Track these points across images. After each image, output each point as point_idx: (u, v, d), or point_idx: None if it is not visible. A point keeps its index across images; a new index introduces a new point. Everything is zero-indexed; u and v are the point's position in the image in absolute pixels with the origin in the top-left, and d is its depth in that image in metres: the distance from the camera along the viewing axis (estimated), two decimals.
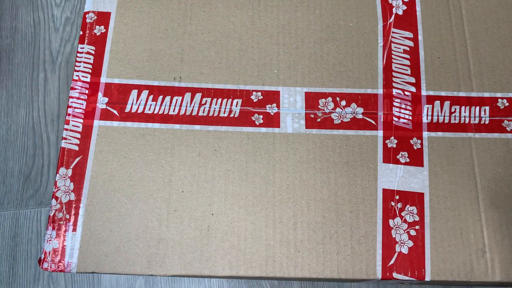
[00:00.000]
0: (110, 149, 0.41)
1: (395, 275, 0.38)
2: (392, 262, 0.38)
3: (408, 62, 0.43)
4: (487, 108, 0.42)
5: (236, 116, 0.41)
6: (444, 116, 0.42)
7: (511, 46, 0.43)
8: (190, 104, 0.42)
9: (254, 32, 0.44)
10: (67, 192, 0.39)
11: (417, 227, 0.39)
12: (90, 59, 0.43)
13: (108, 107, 0.42)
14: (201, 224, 0.39)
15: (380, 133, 0.41)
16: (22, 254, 0.91)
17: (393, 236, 0.38)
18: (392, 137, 0.41)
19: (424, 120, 0.41)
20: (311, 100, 0.42)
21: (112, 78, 0.43)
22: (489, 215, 0.39)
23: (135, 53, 0.43)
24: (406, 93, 0.42)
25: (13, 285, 0.90)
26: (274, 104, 0.42)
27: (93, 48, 0.44)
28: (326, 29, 0.44)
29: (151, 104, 0.42)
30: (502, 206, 0.39)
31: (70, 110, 0.42)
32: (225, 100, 0.42)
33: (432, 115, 0.41)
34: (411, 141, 0.41)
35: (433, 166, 0.40)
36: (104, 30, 0.44)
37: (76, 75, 0.43)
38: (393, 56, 0.43)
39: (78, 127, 0.41)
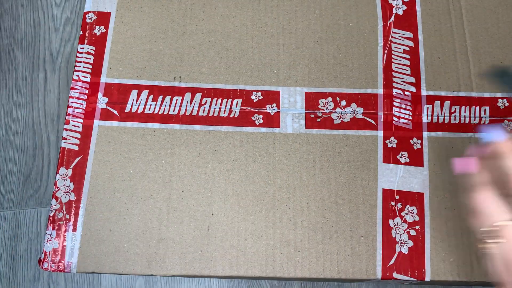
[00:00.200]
0: (110, 149, 0.41)
1: (395, 275, 0.38)
2: (392, 262, 0.38)
3: (408, 62, 0.43)
4: (487, 108, 0.42)
5: (236, 116, 0.41)
6: (444, 116, 0.42)
7: (511, 46, 0.43)
8: (190, 104, 0.42)
9: (254, 32, 0.44)
10: (67, 192, 0.39)
11: (417, 227, 0.39)
12: (90, 59, 0.43)
13: (108, 107, 0.42)
14: (201, 224, 0.39)
15: (380, 133, 0.41)
16: (22, 254, 0.91)
17: (393, 236, 0.38)
18: (392, 137, 0.41)
19: (424, 120, 0.41)
20: (311, 100, 0.42)
21: (112, 78, 0.43)
22: None
23: (135, 53, 0.43)
24: (406, 93, 0.42)
25: (13, 285, 0.90)
26: (274, 104, 0.42)
27: (93, 48, 0.44)
28: (326, 29, 0.44)
29: (151, 104, 0.42)
30: None
31: (70, 110, 0.42)
32: (225, 100, 0.42)
33: (432, 115, 0.41)
34: (411, 141, 0.41)
35: (433, 166, 0.40)
36: (104, 30, 0.44)
37: (76, 75, 0.43)
38: (393, 56, 0.43)
39: (78, 127, 0.41)
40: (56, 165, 0.93)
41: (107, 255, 0.38)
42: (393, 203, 0.39)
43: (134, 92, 0.42)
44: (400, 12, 0.45)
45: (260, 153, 0.40)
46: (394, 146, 0.41)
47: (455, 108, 0.42)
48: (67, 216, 0.39)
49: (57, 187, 0.40)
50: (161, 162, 0.40)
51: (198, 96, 0.42)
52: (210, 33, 0.44)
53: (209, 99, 0.42)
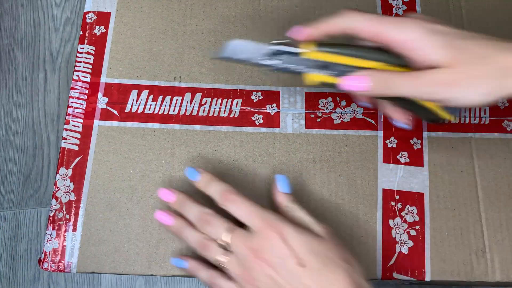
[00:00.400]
0: (110, 149, 0.41)
1: (395, 275, 0.38)
2: (392, 262, 0.38)
3: None
4: (487, 108, 0.42)
5: (236, 116, 0.42)
6: None
7: None
8: (190, 104, 0.42)
9: (254, 32, 0.44)
10: (67, 192, 0.39)
11: (417, 227, 0.39)
12: (90, 59, 0.43)
13: (108, 107, 0.42)
14: None
15: (380, 133, 0.41)
16: (22, 254, 0.91)
17: (393, 236, 0.38)
18: (392, 137, 0.41)
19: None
20: (311, 100, 0.42)
21: (112, 78, 0.43)
22: (489, 215, 0.39)
23: (135, 53, 0.43)
24: None
25: (13, 285, 0.90)
26: (274, 104, 0.42)
27: (93, 48, 0.44)
28: None
29: (151, 104, 0.42)
30: (502, 206, 0.39)
31: (70, 110, 0.42)
32: (225, 100, 0.42)
33: None
34: (411, 141, 0.41)
35: (433, 166, 0.40)
36: (104, 30, 0.44)
37: (76, 75, 0.43)
38: None
39: (78, 127, 0.41)
40: (56, 165, 0.93)
41: (107, 255, 0.38)
42: (393, 203, 0.39)
43: (134, 92, 0.42)
44: (400, 12, 0.45)
45: (260, 153, 0.40)
46: (394, 146, 0.41)
47: None
48: (67, 216, 0.39)
49: (57, 187, 0.40)
50: (161, 162, 0.40)
51: (198, 96, 0.42)
52: (210, 33, 0.44)
53: (209, 99, 0.42)
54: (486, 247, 0.38)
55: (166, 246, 0.38)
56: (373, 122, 0.41)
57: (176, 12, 0.45)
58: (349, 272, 0.31)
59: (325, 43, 0.32)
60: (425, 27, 0.29)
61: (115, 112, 0.42)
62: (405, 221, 0.39)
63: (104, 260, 0.38)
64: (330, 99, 0.42)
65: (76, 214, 0.39)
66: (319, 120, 0.41)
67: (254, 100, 0.42)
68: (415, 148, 0.41)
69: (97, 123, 0.41)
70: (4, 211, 0.95)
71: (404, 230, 0.39)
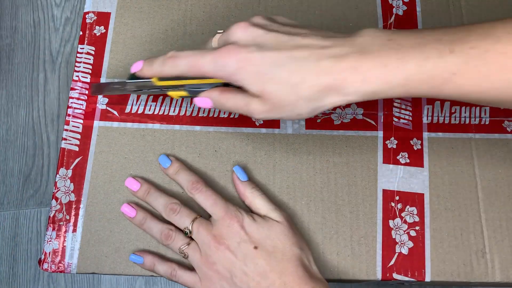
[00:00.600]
0: (110, 150, 0.41)
1: (395, 275, 0.38)
2: (392, 262, 0.38)
3: None
4: (487, 108, 0.42)
5: (236, 116, 0.41)
6: (444, 116, 0.42)
7: None
8: (190, 104, 0.42)
9: None
10: (67, 192, 0.39)
11: (417, 227, 0.39)
12: (90, 59, 0.43)
13: (108, 108, 0.42)
14: None
15: (380, 133, 0.41)
16: (22, 254, 0.91)
17: (393, 236, 0.38)
18: (392, 138, 0.41)
19: (424, 120, 0.41)
20: None
21: (112, 78, 0.43)
22: (489, 215, 0.39)
23: (135, 54, 0.43)
24: None
25: (13, 285, 0.90)
26: None
27: (93, 48, 0.44)
28: (326, 29, 0.44)
29: (151, 105, 0.42)
30: (502, 206, 0.39)
31: (70, 111, 0.42)
32: None
33: (432, 116, 0.42)
34: (411, 141, 0.41)
35: (433, 167, 0.40)
36: (104, 30, 0.44)
37: (76, 76, 0.43)
38: None
39: (78, 127, 0.41)
40: (56, 165, 0.93)
41: (107, 255, 0.38)
42: (393, 204, 0.39)
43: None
44: (400, 13, 0.45)
45: (260, 154, 0.40)
46: (394, 146, 0.41)
47: (455, 109, 0.42)
48: (67, 217, 0.39)
49: (57, 188, 0.40)
50: None
51: None
52: (210, 33, 0.44)
53: None
54: (486, 248, 0.38)
55: (166, 246, 0.38)
56: (373, 123, 0.41)
57: (176, 12, 0.45)
58: (299, 255, 0.34)
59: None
60: (239, 57, 0.29)
61: (115, 112, 0.42)
62: (405, 221, 0.39)
63: (104, 261, 0.38)
64: None
65: (76, 215, 0.39)
66: (319, 120, 0.41)
67: None
68: (415, 148, 0.41)
69: (97, 123, 0.41)
70: (4, 211, 0.95)
71: (404, 231, 0.39)
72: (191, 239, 0.36)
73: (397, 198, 0.39)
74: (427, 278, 0.37)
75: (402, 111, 0.42)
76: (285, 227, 0.35)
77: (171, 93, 0.34)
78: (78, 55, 0.43)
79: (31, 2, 1.06)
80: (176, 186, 0.40)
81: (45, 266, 0.38)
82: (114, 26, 0.44)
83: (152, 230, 0.37)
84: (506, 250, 0.38)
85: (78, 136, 0.41)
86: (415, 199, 0.39)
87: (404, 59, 0.27)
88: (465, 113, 0.42)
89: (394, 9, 0.45)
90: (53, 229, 0.39)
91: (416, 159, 0.40)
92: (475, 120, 0.41)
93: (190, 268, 0.37)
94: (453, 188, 0.40)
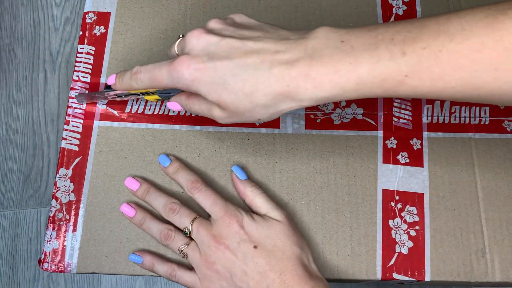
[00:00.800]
0: (110, 150, 0.41)
1: (395, 275, 0.38)
2: (392, 262, 0.38)
3: None
4: (487, 108, 0.42)
5: None
6: (444, 116, 0.42)
7: None
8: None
9: None
10: (67, 192, 0.39)
11: (417, 227, 0.39)
12: (90, 59, 0.43)
13: (108, 108, 0.42)
14: None
15: (380, 133, 0.41)
16: (22, 254, 0.91)
17: (393, 236, 0.38)
18: (392, 138, 0.41)
19: (424, 120, 0.41)
20: None
21: None
22: (489, 215, 0.39)
23: (135, 54, 0.43)
24: None
25: (13, 285, 0.90)
26: None
27: (93, 48, 0.44)
28: None
29: (151, 105, 0.42)
30: (502, 206, 0.39)
31: (70, 111, 0.42)
32: None
33: (432, 116, 0.42)
34: (411, 141, 0.41)
35: (433, 167, 0.40)
36: (104, 30, 0.44)
37: (76, 75, 0.43)
38: None
39: (78, 127, 0.41)
40: (56, 165, 0.93)
41: (107, 255, 0.38)
42: (393, 204, 0.39)
43: None
44: (400, 13, 0.45)
45: (260, 154, 0.40)
46: (394, 146, 0.41)
47: (455, 109, 0.42)
48: (67, 217, 0.39)
49: (57, 188, 0.40)
50: None
51: None
52: None
53: None
54: (486, 247, 0.38)
55: (166, 246, 0.38)
56: (373, 123, 0.41)
57: (176, 12, 0.45)
58: (299, 254, 0.34)
59: None
60: (191, 69, 0.30)
61: (115, 112, 0.42)
62: (405, 221, 0.39)
63: (104, 261, 0.38)
64: None
65: (76, 215, 0.39)
66: (319, 120, 0.41)
67: None
68: (415, 148, 0.41)
69: (97, 123, 0.41)
70: (4, 211, 0.95)
71: (404, 231, 0.39)
72: (191, 239, 0.36)
73: (397, 198, 0.39)
74: (427, 278, 0.37)
75: (402, 111, 0.42)
76: (285, 226, 0.35)
77: (147, 97, 0.36)
78: (78, 55, 0.44)
79: (31, 2, 1.06)
80: (176, 186, 0.40)
81: (45, 266, 0.38)
82: (114, 26, 0.44)
83: (151, 230, 0.37)
84: (506, 250, 0.38)
85: (78, 136, 0.41)
86: (415, 199, 0.39)
87: (355, 63, 0.27)
88: (465, 113, 0.42)
89: (394, 9, 0.45)
90: (53, 229, 0.39)
91: (416, 159, 0.40)
92: (475, 120, 0.41)
93: (190, 268, 0.37)
94: (453, 188, 0.40)
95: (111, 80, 0.36)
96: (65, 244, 0.38)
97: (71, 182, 0.40)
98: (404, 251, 0.38)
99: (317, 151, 0.41)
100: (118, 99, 0.39)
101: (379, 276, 0.38)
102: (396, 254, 0.38)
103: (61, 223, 0.39)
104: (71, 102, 0.42)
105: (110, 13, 0.45)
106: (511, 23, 0.24)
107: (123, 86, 0.35)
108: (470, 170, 0.40)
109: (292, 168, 0.40)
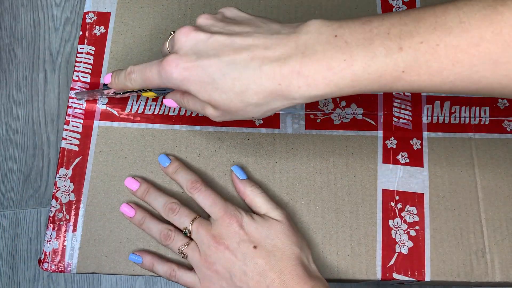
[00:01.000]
0: (110, 150, 0.41)
1: (395, 275, 0.38)
2: (392, 262, 0.38)
3: None
4: (487, 108, 0.42)
5: None
6: (444, 116, 0.42)
7: None
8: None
9: None
10: (67, 192, 0.39)
11: (417, 227, 0.39)
12: (90, 59, 0.43)
13: (108, 108, 0.42)
14: None
15: (380, 133, 0.41)
16: (22, 254, 0.91)
17: (393, 236, 0.38)
18: (392, 138, 0.41)
19: (424, 120, 0.41)
20: None
21: None
22: (489, 215, 0.39)
23: (135, 54, 0.43)
24: (406, 93, 0.42)
25: (13, 285, 0.90)
26: None
27: (93, 48, 0.44)
28: None
29: (151, 105, 0.42)
30: (502, 206, 0.39)
31: (70, 111, 0.42)
32: None
33: (432, 116, 0.42)
34: (411, 141, 0.41)
35: (433, 167, 0.40)
36: (104, 30, 0.44)
37: (76, 76, 0.43)
38: None
39: (78, 127, 0.41)
40: (56, 165, 0.93)
41: (107, 255, 0.38)
42: (393, 204, 0.39)
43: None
44: None
45: (260, 154, 0.40)
46: (394, 146, 0.41)
47: (455, 109, 0.42)
48: (67, 217, 0.39)
49: (57, 188, 0.40)
50: None
51: None
52: None
53: None
54: (486, 248, 0.38)
55: (165, 246, 0.38)
56: (373, 123, 0.41)
57: (176, 12, 0.45)
58: (298, 254, 0.34)
59: None
60: (179, 69, 0.29)
61: (115, 112, 0.42)
62: (405, 221, 0.39)
63: (104, 261, 0.38)
64: (330, 99, 0.42)
65: (76, 215, 0.39)
66: (319, 120, 0.41)
67: None
68: (415, 148, 0.41)
69: (97, 123, 0.41)
70: (4, 211, 0.95)
71: (404, 231, 0.39)
72: (191, 239, 0.36)
73: (397, 198, 0.39)
74: (427, 278, 0.37)
75: (402, 111, 0.42)
76: (285, 226, 0.35)
77: (144, 94, 0.37)
78: (78, 55, 0.44)
79: (31, 2, 1.06)
80: (176, 186, 0.40)
81: (45, 266, 0.38)
82: (114, 26, 0.44)
83: (151, 230, 0.37)
84: (506, 250, 0.38)
85: (78, 136, 0.41)
86: (415, 199, 0.39)
87: (350, 59, 0.26)
88: (465, 113, 0.42)
89: (394, 9, 0.45)
90: (53, 229, 0.39)
91: (416, 159, 0.40)
92: (475, 120, 0.41)
93: (190, 268, 0.37)
94: (453, 188, 0.40)
95: (107, 79, 0.36)
96: (65, 244, 0.38)
97: (71, 182, 0.40)
98: (404, 251, 0.38)
99: (317, 151, 0.41)
100: (117, 96, 0.39)
101: (379, 276, 0.38)
102: (396, 254, 0.38)
103: (61, 223, 0.39)
104: (71, 102, 0.42)
105: (110, 13, 0.45)
106: (511, 14, 0.23)
107: (118, 86, 0.35)
108: (470, 170, 0.40)
109: (292, 168, 0.40)
